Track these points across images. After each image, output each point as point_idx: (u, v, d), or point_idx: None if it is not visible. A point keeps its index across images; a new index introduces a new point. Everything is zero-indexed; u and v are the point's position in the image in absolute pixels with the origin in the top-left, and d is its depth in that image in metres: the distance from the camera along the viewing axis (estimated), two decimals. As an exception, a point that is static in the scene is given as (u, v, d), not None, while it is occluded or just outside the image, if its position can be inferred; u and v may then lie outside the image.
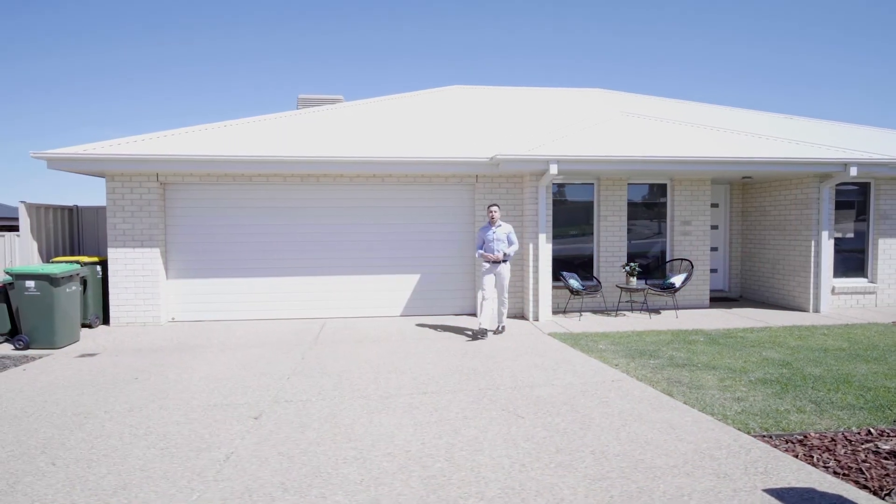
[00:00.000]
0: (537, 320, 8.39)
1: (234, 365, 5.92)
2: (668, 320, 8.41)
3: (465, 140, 9.23)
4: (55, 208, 8.70)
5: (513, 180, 8.77)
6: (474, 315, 8.76)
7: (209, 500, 2.95)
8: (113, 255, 8.00)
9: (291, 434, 3.89)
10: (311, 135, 9.14)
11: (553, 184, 8.85)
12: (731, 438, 3.60)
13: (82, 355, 6.47)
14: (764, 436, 3.68)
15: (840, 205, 9.45)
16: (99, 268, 8.11)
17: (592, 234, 9.45)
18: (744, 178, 9.77)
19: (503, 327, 7.54)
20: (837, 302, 9.34)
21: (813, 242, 8.93)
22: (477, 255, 7.44)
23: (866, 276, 9.66)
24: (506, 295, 7.53)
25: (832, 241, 9.00)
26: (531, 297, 8.46)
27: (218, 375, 5.51)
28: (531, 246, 8.42)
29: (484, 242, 7.32)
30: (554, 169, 7.85)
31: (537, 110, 11.96)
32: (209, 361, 6.07)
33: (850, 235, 9.69)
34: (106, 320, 8.21)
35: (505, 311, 7.58)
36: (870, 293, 9.53)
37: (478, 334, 7.16)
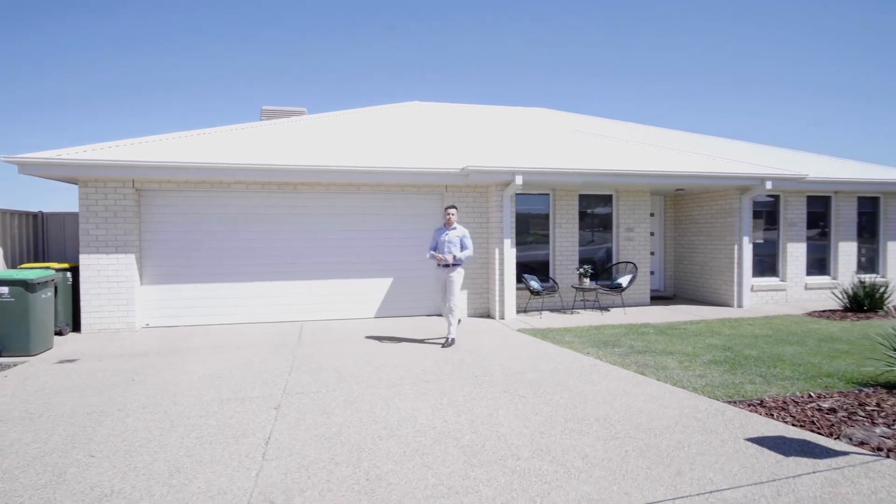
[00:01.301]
0: (503, 318, 8.82)
1: (229, 365, 5.90)
2: (618, 316, 9.09)
3: (429, 152, 9.58)
4: (20, 214, 8.22)
5: (479, 190, 9.20)
6: (442, 315, 9.08)
7: (270, 474, 3.08)
8: (85, 261, 7.66)
9: (318, 419, 4.03)
10: (285, 144, 9.17)
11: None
12: (706, 404, 4.14)
13: (61, 361, 6.19)
14: (730, 401, 4.25)
15: (757, 214, 10.61)
16: (69, 274, 7.74)
17: (548, 240, 10.04)
18: (677, 190, 10.73)
19: (452, 340, 6.76)
20: (756, 298, 10.43)
21: (736, 247, 9.97)
22: (428, 256, 6.94)
23: (778, 276, 10.86)
24: (454, 302, 6.77)
25: (751, 246, 10.08)
26: (497, 298, 8.89)
27: (217, 374, 5.48)
28: (497, 250, 8.87)
29: (437, 244, 6.90)
30: (519, 180, 8.35)
31: (493, 126, 12.53)
32: (201, 363, 6.00)
33: (761, 241, 10.85)
34: (76, 327, 7.83)
35: (453, 322, 6.80)
36: (781, 290, 10.72)
37: (447, 343, 6.74)
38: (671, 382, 4.86)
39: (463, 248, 6.82)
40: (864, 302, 9.11)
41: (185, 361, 6.05)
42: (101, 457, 3.41)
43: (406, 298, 9.11)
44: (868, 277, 10.63)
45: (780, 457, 3.10)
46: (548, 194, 9.96)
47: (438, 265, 6.85)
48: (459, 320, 7.24)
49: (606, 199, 10.39)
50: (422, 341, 7.08)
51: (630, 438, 3.46)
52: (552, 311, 9.70)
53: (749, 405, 4.14)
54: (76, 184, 7.86)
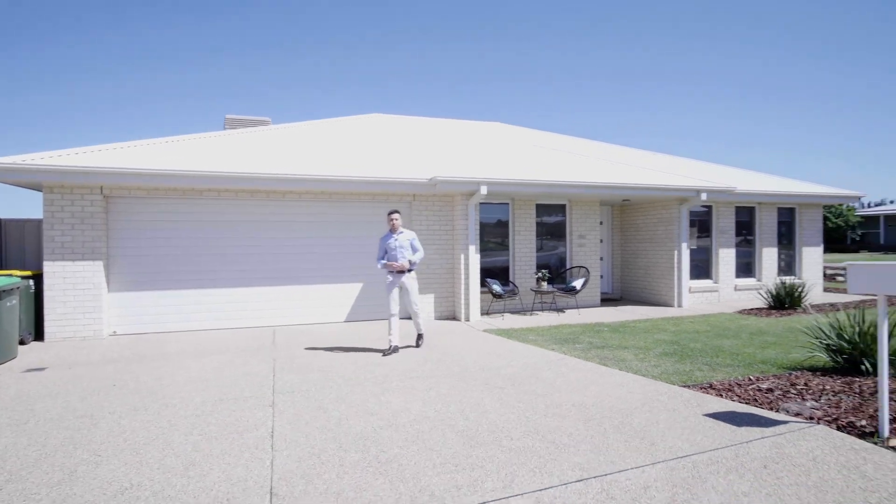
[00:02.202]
0: (469, 320, 9.13)
1: (210, 368, 5.87)
2: (574, 317, 9.60)
3: (396, 162, 9.80)
4: (-23, 220, 7.78)
5: (445, 199, 9.50)
6: (411, 318, 9.28)
7: (284, 462, 3.22)
8: (50, 268, 7.36)
9: (315, 414, 4.17)
10: (255, 153, 9.14)
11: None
12: (666, 388, 4.58)
13: (30, 370, 5.95)
14: (685, 386, 4.71)
15: (692, 223, 11.46)
16: (31, 282, 7.41)
17: (508, 246, 10.46)
18: (624, 200, 11.44)
19: (421, 336, 6.95)
20: (693, 298, 11.24)
21: (676, 252, 10.75)
22: (380, 266, 6.60)
23: (712, 279, 11.76)
24: (417, 306, 6.76)
25: (688, 252, 10.89)
26: (463, 301, 9.19)
27: (200, 378, 5.45)
28: (462, 256, 9.19)
29: (386, 252, 6.60)
30: (484, 190, 8.72)
31: (452, 139, 12.89)
32: (181, 368, 5.93)
33: (696, 247, 11.73)
34: (38, 336, 7.49)
35: (421, 322, 6.94)
36: (714, 291, 11.61)
37: (389, 351, 6.43)
38: (632, 372, 5.30)
39: (414, 250, 6.61)
40: (785, 300, 10.05)
41: (164, 367, 5.96)
42: (108, 455, 3.42)
43: (375, 303, 9.24)
44: (787, 279, 11.69)
45: (734, 427, 3.54)
46: (507, 204, 10.39)
47: (390, 272, 6.55)
48: (420, 334, 7.13)
49: (561, 209, 10.94)
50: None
51: (606, 419, 3.82)
52: (513, 312, 10.10)
53: (701, 388, 4.62)
54: (40, 190, 7.55)
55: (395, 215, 6.63)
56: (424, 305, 9.37)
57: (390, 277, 6.59)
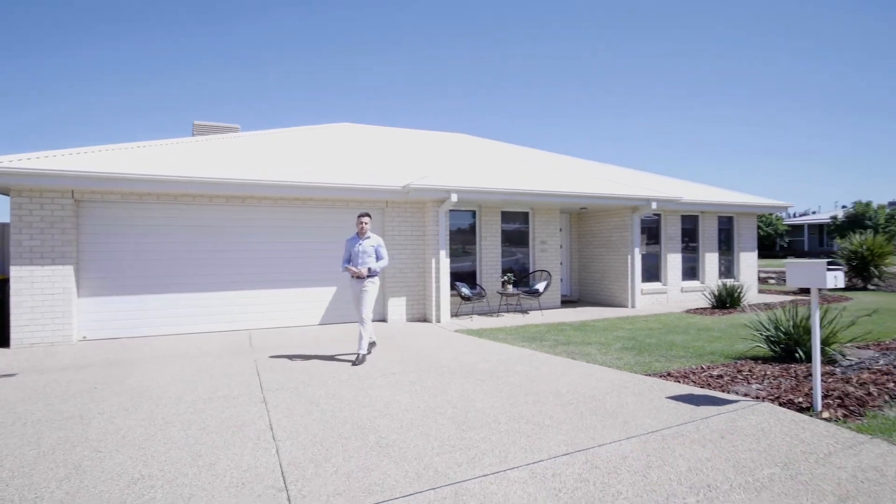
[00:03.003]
0: (439, 322, 9.35)
1: (191, 370, 5.83)
2: (537, 317, 9.98)
3: (368, 170, 9.94)
4: (-64, 224, 7.38)
5: (416, 206, 9.72)
6: (384, 321, 9.43)
7: (289, 450, 3.34)
8: (17, 272, 7.09)
9: (308, 409, 4.28)
10: (228, 159, 9.07)
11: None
12: (630, 377, 4.96)
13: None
14: (647, 374, 5.10)
15: (644, 230, 12.13)
16: (-4, 287, 7.11)
17: (475, 251, 10.77)
18: (581, 208, 11.99)
19: (361, 357, 6.02)
20: (644, 300, 11.88)
21: (629, 257, 11.35)
22: (342, 269, 6.34)
23: (661, 281, 12.46)
24: (365, 314, 6.13)
25: (640, 257, 11.53)
26: (434, 303, 9.41)
27: (184, 379, 5.42)
28: (434, 260, 9.42)
29: (351, 255, 6.30)
30: (455, 197, 9.00)
31: (419, 148, 13.13)
32: (161, 370, 5.85)
33: (647, 253, 12.42)
34: (4, 342, 7.17)
35: (365, 336, 6.11)
36: (663, 293, 12.31)
37: (359, 360, 5.99)
38: (598, 364, 5.67)
39: (378, 258, 6.27)
40: (726, 301, 10.80)
41: (143, 370, 5.87)
42: (110, 451, 3.43)
43: (350, 306, 9.30)
44: (728, 281, 12.51)
45: (694, 406, 3.92)
46: (474, 211, 10.71)
47: (353, 277, 6.23)
48: (372, 342, 6.59)
49: (524, 216, 11.36)
50: (372, 343, 7.38)
51: (580, 404, 4.13)
52: (480, 314, 10.39)
53: (661, 376, 5.02)
54: (7, 194, 7.27)
55: (366, 219, 6.28)
56: (396, 308, 9.54)
57: (352, 283, 6.30)
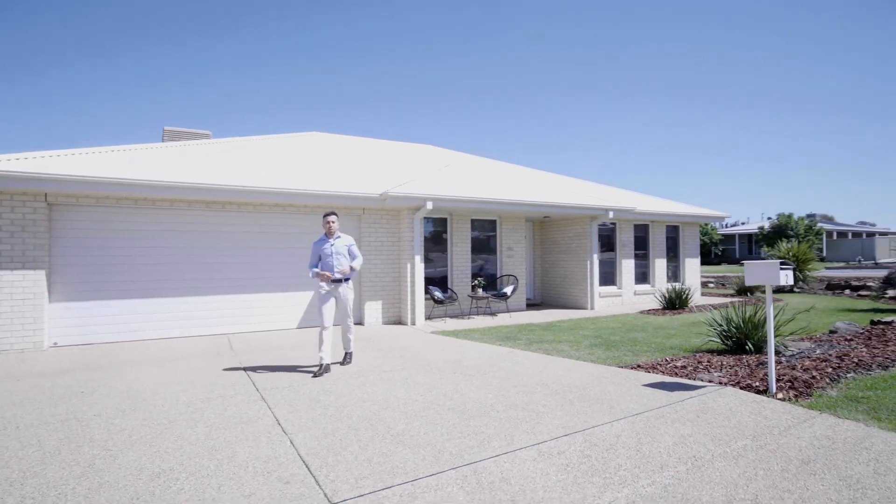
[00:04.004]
0: (414, 324, 9.47)
1: (178, 373, 5.70)
2: (506, 319, 10.27)
3: (341, 177, 9.96)
4: None
5: (392, 213, 9.83)
6: (361, 324, 9.45)
7: (304, 442, 3.40)
8: (-15, 277, 6.70)
9: (310, 405, 4.32)
10: (204, 165, 8.90)
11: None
12: (605, 369, 5.27)
13: (-28, 383, 5.42)
14: (619, 367, 5.44)
15: (600, 238, 12.71)
16: (-39, 292, 6.68)
17: (447, 257, 10.97)
18: (544, 217, 12.44)
19: (350, 355, 5.95)
20: (602, 302, 12.43)
21: (588, 262, 11.87)
22: (311, 275, 5.66)
23: (616, 285, 13.07)
24: (351, 319, 5.83)
25: (597, 261, 12.08)
26: (409, 306, 9.53)
27: (174, 381, 5.30)
28: (409, 265, 9.55)
29: (320, 258, 5.69)
30: (430, 205, 9.19)
31: (388, 157, 13.25)
32: (146, 374, 5.66)
33: (603, 259, 13.01)
34: (-32, 350, 6.73)
35: (352, 337, 5.96)
36: (619, 296, 12.92)
37: (321, 371, 5.40)
38: (574, 359, 5.97)
39: (353, 257, 5.76)
40: (675, 302, 11.48)
41: (126, 374, 5.66)
42: (121, 449, 3.38)
43: (326, 310, 9.28)
44: (675, 285, 13.29)
45: (668, 392, 4.26)
46: (446, 218, 10.93)
47: (323, 282, 5.60)
48: (349, 354, 6.06)
49: (492, 224, 11.68)
50: (360, 345, 7.41)
51: (567, 393, 4.39)
52: (452, 317, 10.58)
53: (632, 368, 5.36)
54: (-26, 196, 6.87)
55: (333, 217, 5.71)
56: (373, 311, 9.59)
57: (325, 288, 5.61)
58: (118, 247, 7.67)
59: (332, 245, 5.65)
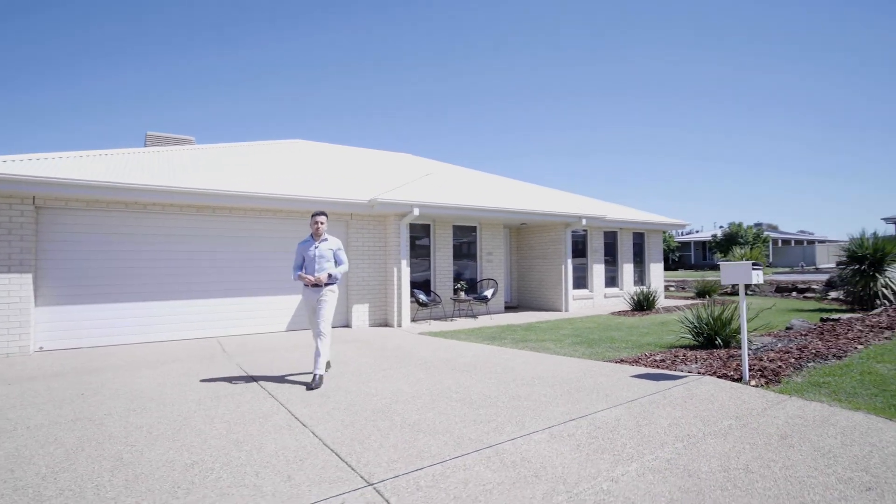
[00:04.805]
0: (401, 326, 9.59)
1: (177, 374, 5.64)
2: (487, 321, 10.51)
3: (326, 183, 10.04)
4: None
5: (379, 219, 9.95)
6: (348, 326, 9.50)
7: (326, 433, 3.50)
8: (-30, 281, 6.45)
9: (322, 399, 4.40)
10: (192, 169, 8.80)
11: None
12: (593, 363, 5.56)
13: (-38, 388, 5.23)
14: (605, 361, 5.74)
15: (573, 244, 13.15)
16: (-56, 296, 6.41)
17: (430, 261, 11.14)
18: (521, 224, 12.79)
19: (320, 377, 4.91)
20: (575, 304, 12.85)
21: (563, 267, 12.27)
22: (294, 278, 5.24)
23: (587, 288, 13.53)
24: (324, 327, 5.04)
25: (571, 266, 12.49)
26: (396, 309, 9.64)
27: (174, 382, 5.24)
28: (395, 269, 9.67)
29: (304, 261, 5.24)
30: (416, 211, 9.35)
31: (368, 165, 13.35)
32: (143, 376, 5.55)
33: (575, 264, 13.45)
34: (-49, 355, 6.45)
35: (324, 354, 4.99)
36: (590, 298, 13.38)
37: (312, 384, 4.80)
38: (560, 355, 6.24)
39: (338, 262, 5.26)
40: (643, 304, 12.00)
41: (122, 377, 5.53)
42: (146, 444, 3.39)
43: (314, 313, 9.29)
44: (642, 288, 13.87)
45: (655, 381, 4.56)
46: (429, 224, 11.11)
47: (307, 285, 5.15)
48: (328, 363, 5.46)
49: (472, 230, 11.93)
50: (352, 346, 7.49)
51: (563, 384, 4.63)
52: (436, 319, 10.74)
53: (616, 362, 5.67)
54: (-41, 198, 6.62)
55: (322, 217, 5.23)
56: (360, 314, 9.65)
57: (306, 293, 5.20)
58: (105, 251, 7.50)
59: (316, 248, 5.17)
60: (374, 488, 2.61)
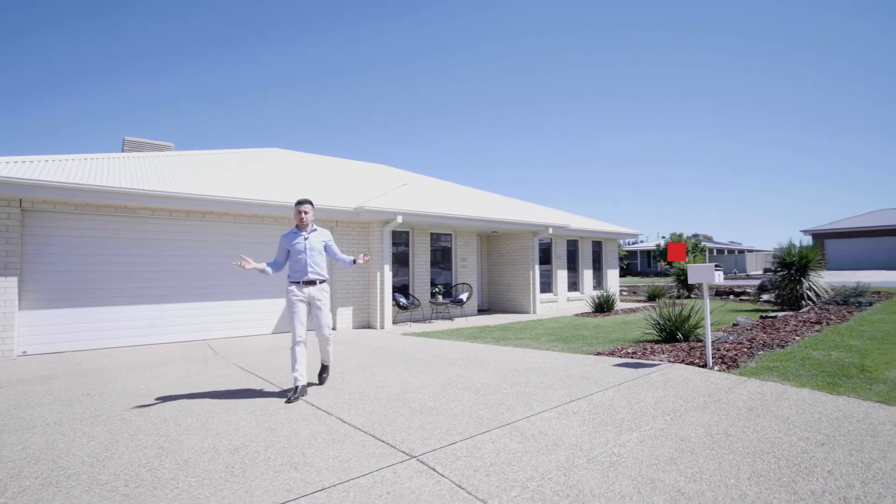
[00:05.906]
0: (384, 328, 9.75)
1: (176, 374, 5.60)
2: (463, 323, 10.82)
3: (310, 190, 10.08)
4: None
5: (362, 225, 10.10)
6: (333, 329, 9.56)
7: (353, 418, 3.69)
8: (-47, 284, 6.15)
9: (336, 392, 4.56)
10: (179, 174, 8.68)
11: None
12: (575, 356, 5.98)
13: (-46, 392, 5.02)
14: (585, 354, 6.17)
15: (539, 251, 13.72)
16: (-76, 300, 6.07)
17: (409, 266, 11.37)
18: (492, 231, 13.24)
19: (328, 369, 4.94)
20: (542, 307, 13.39)
21: (531, 272, 12.79)
22: (271, 272, 4.59)
23: (552, 292, 14.12)
24: (328, 329, 4.69)
25: (538, 272, 13.05)
26: (378, 311, 9.80)
27: (177, 382, 5.19)
28: (379, 274, 9.84)
29: (288, 254, 4.61)
30: (400, 219, 9.59)
31: (346, 174, 13.46)
32: (141, 377, 5.44)
33: (538, 269, 14.02)
34: (-70, 361, 6.10)
35: (331, 350, 4.89)
36: (555, 302, 13.97)
37: (295, 395, 4.28)
38: (542, 350, 6.63)
39: (334, 255, 4.78)
40: (604, 306, 12.68)
41: (120, 378, 5.38)
42: (180, 434, 3.46)
43: (300, 316, 9.30)
44: (601, 292, 14.58)
45: (634, 369, 5.01)
46: (408, 231, 11.35)
47: (295, 283, 4.53)
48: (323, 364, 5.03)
49: (448, 237, 12.26)
50: (343, 346, 7.60)
51: (555, 373, 5.01)
52: (415, 321, 10.96)
53: (595, 355, 6.11)
54: (-58, 200, 6.31)
55: (307, 206, 4.58)
56: (344, 317, 9.74)
57: (295, 292, 4.50)
58: (91, 254, 7.31)
59: (306, 239, 4.56)
60: (418, 459, 2.86)
